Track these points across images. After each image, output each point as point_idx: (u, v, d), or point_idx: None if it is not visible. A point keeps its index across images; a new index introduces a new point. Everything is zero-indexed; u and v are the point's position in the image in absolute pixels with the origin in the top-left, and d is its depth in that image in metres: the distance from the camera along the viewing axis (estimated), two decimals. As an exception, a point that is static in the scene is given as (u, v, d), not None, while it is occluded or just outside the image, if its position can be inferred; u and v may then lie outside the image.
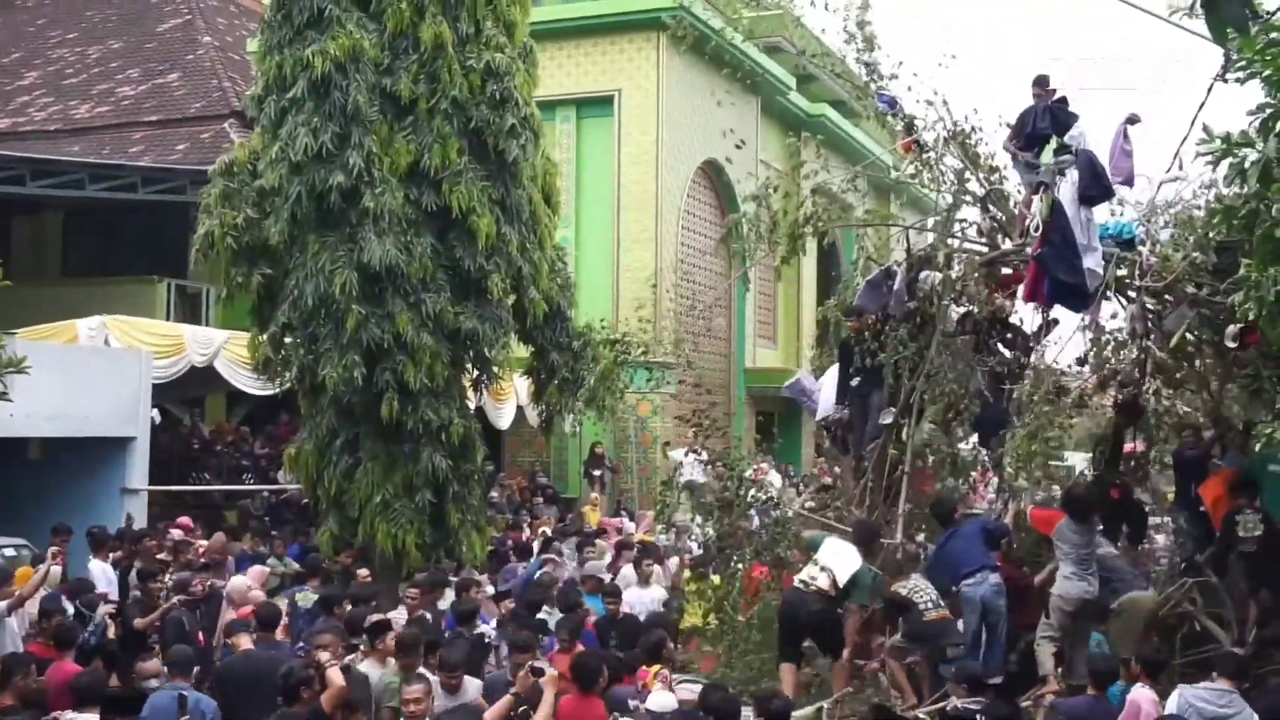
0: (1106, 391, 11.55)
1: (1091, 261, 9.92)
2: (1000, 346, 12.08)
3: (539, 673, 7.78)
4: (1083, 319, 10.85)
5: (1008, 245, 11.40)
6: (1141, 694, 8.32)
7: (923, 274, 11.45)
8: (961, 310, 11.55)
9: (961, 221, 11.93)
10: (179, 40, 27.05)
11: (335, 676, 7.76)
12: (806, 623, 9.75)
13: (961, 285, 11.28)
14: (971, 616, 9.77)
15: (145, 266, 21.58)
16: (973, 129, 11.63)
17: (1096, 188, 9.95)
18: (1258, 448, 7.54)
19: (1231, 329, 9.00)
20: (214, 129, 23.27)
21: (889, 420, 11.61)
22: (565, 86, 24.37)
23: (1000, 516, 12.15)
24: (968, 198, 11.68)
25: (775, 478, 20.46)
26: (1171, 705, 7.73)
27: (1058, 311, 11.20)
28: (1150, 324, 10.41)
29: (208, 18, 27.84)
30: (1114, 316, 10.96)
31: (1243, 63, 6.62)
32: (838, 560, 9.71)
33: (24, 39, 29.11)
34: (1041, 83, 11.07)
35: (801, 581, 9.73)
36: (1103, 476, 11.19)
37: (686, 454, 15.11)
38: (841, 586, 9.56)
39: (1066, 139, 10.49)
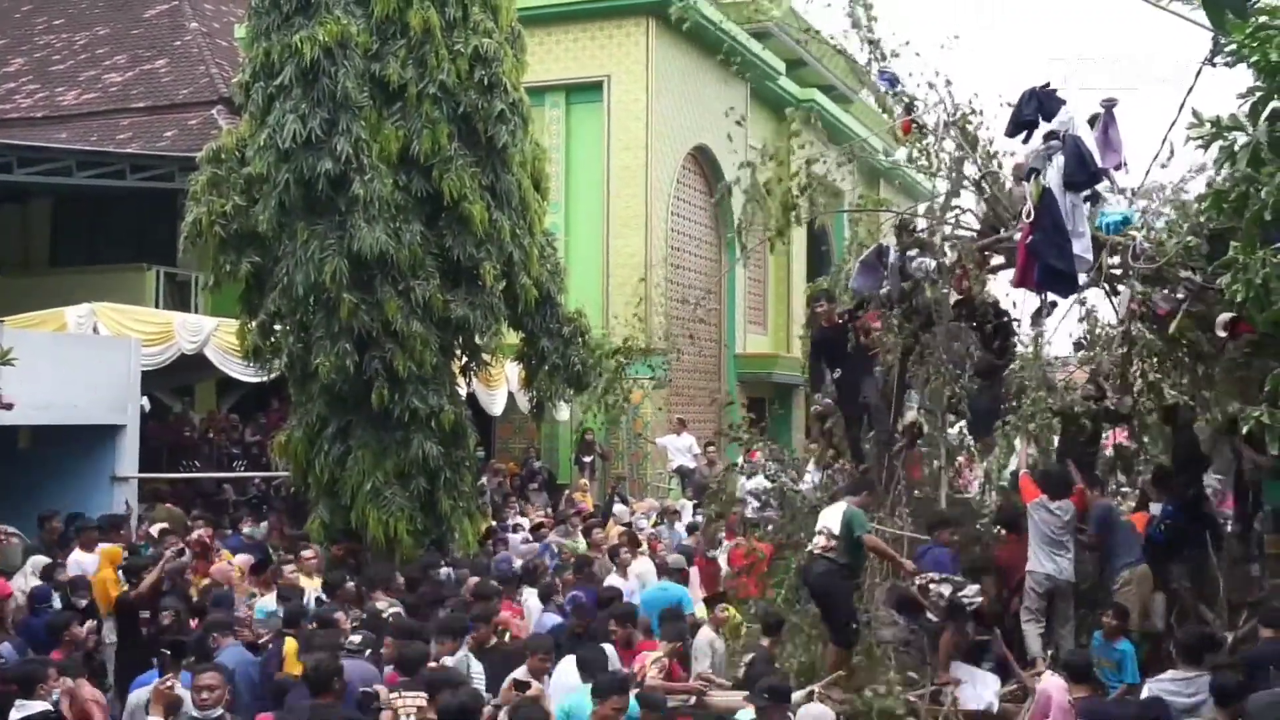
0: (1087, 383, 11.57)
1: (1079, 247, 9.91)
2: (989, 331, 12.05)
3: (524, 686, 7.76)
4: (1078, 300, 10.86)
5: (1002, 232, 11.35)
6: (1051, 682, 8.50)
7: (915, 261, 11.43)
8: (957, 296, 11.51)
9: (956, 209, 11.88)
10: (166, 26, 26.93)
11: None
12: (813, 586, 9.93)
13: (959, 270, 11.23)
14: (930, 648, 9.94)
15: (134, 254, 21.52)
16: (973, 111, 11.54)
17: (1082, 174, 9.94)
18: (1244, 430, 7.56)
19: (1222, 318, 9.00)
20: (202, 115, 23.19)
21: (913, 416, 11.75)
22: (554, 72, 24.31)
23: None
24: (966, 183, 11.61)
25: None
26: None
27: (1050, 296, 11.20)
28: (1143, 306, 10.41)
29: (194, 4, 27.72)
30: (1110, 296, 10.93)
31: (1231, 47, 6.63)
32: (829, 518, 9.94)
33: (10, 25, 28.96)
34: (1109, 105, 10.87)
35: (811, 548, 9.91)
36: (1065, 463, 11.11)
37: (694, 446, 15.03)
38: (838, 535, 9.69)
39: (1054, 124, 10.46)
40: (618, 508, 19.30)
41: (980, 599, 9.61)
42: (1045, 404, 10.21)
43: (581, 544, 15.87)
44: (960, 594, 9.46)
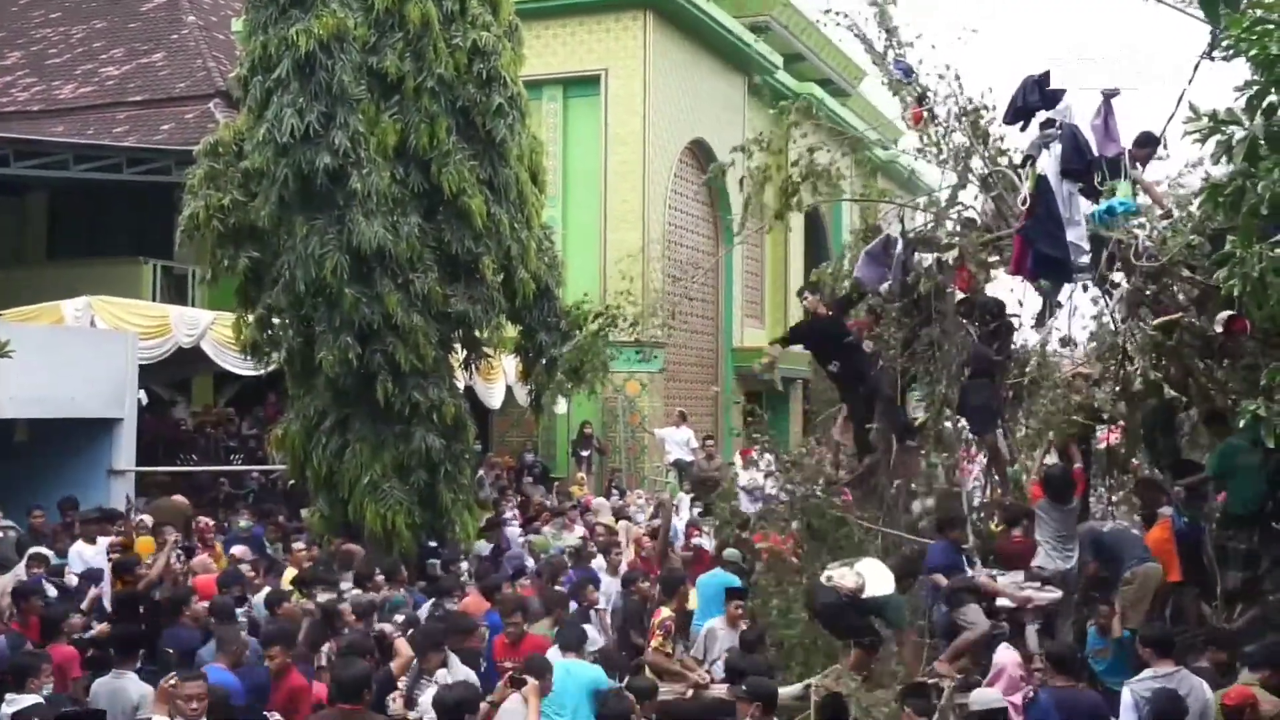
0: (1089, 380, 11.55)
1: (1074, 235, 9.89)
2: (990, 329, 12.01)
3: (519, 683, 7.76)
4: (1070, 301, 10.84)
5: (1005, 230, 11.31)
6: (1005, 654, 8.53)
7: (917, 256, 11.41)
8: (961, 295, 11.47)
9: (959, 205, 11.85)
10: (163, 20, 26.89)
11: (403, 647, 8.61)
12: (818, 612, 9.70)
13: (958, 265, 11.19)
14: (941, 640, 9.91)
15: (131, 247, 21.51)
16: (984, 107, 11.48)
17: (1079, 162, 9.92)
18: (1240, 424, 7.56)
19: (1221, 315, 8.98)
20: (199, 109, 23.16)
21: (922, 416, 11.73)
22: (552, 66, 24.31)
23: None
24: (971, 175, 11.55)
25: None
26: (1126, 703, 7.68)
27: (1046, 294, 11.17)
28: (1143, 303, 10.41)
29: (192, -3, 27.67)
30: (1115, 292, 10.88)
31: (1228, 41, 6.61)
32: (873, 574, 9.49)
33: (6, 18, 28.90)
34: (1143, 142, 10.81)
35: (826, 576, 9.54)
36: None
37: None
38: (864, 596, 9.31)
39: (1053, 113, 10.45)
40: (596, 500, 19.26)
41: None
42: (1060, 407, 10.20)
43: (568, 539, 15.89)
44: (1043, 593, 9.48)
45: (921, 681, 8.59)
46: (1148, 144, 10.58)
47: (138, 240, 21.74)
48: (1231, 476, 9.79)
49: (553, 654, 8.66)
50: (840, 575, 9.35)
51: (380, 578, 11.60)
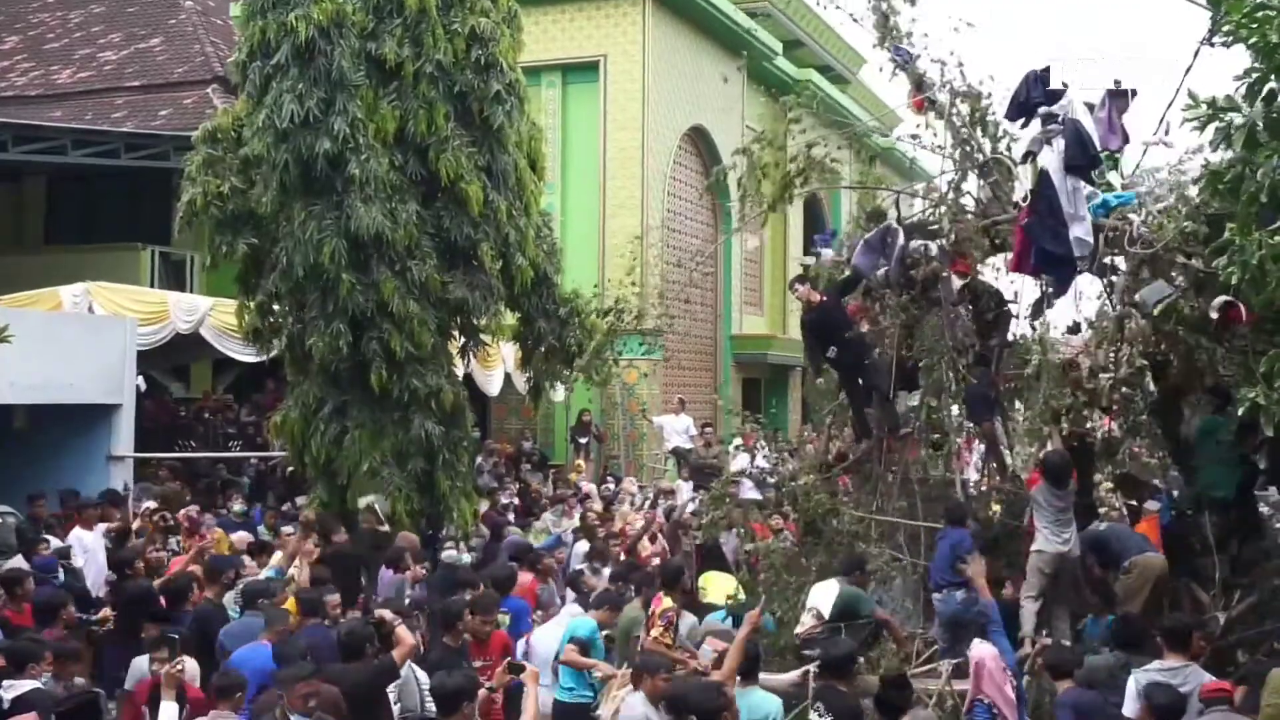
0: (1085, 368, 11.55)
1: (1080, 230, 9.87)
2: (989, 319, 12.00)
3: (518, 669, 7.74)
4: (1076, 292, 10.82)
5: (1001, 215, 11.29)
6: (983, 649, 8.58)
7: (914, 243, 11.39)
8: (960, 282, 11.45)
9: (958, 191, 11.81)
10: (161, 4, 26.80)
11: (404, 635, 8.36)
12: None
13: (956, 251, 11.16)
14: (939, 630, 9.99)
15: (129, 233, 21.45)
16: (984, 95, 11.44)
17: (1083, 157, 9.90)
18: (1240, 412, 7.56)
19: (1216, 300, 8.98)
20: (197, 94, 23.09)
21: (916, 402, 11.73)
22: (551, 52, 24.25)
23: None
24: (970, 161, 11.51)
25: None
26: (1131, 692, 7.65)
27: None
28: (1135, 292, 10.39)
29: (189, -18, 27.56)
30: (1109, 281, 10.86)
31: (1228, 27, 6.61)
32: (818, 597, 9.62)
33: (4, 3, 28.79)
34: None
35: (797, 636, 9.53)
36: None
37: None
38: (827, 618, 9.35)
39: (1055, 108, 10.43)
40: (588, 486, 19.26)
41: None
42: (1063, 400, 10.22)
43: (566, 526, 15.91)
44: None
45: (902, 673, 8.62)
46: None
47: (135, 226, 21.69)
48: (1212, 459, 9.87)
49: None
50: (802, 626, 9.40)
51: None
